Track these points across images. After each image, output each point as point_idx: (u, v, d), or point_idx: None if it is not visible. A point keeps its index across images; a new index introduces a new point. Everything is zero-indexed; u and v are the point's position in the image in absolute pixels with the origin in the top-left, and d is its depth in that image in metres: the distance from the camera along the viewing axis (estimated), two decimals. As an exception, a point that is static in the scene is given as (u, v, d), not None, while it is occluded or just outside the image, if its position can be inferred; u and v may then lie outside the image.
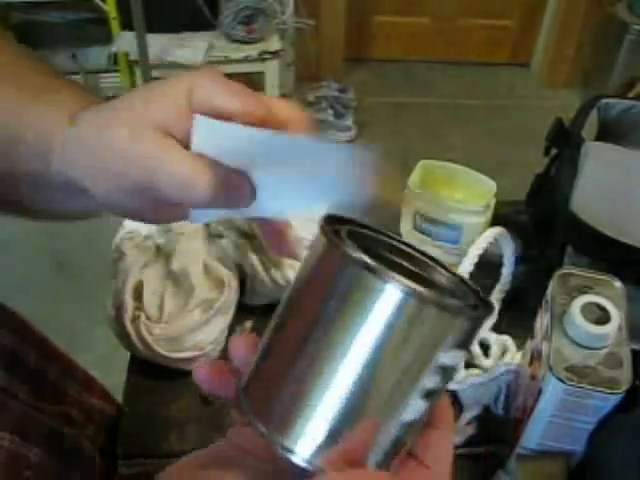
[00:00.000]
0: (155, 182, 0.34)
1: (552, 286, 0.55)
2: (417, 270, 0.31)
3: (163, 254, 0.76)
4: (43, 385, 0.58)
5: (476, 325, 0.28)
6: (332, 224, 0.29)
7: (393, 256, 0.32)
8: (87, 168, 0.37)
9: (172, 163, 0.34)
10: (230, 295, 0.72)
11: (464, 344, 0.27)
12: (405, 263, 0.31)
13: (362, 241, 0.28)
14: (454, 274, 0.31)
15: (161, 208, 0.38)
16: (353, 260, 0.25)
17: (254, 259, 0.73)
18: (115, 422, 0.67)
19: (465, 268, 0.74)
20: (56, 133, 0.38)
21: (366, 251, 0.27)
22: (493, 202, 0.82)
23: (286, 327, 0.30)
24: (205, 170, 0.34)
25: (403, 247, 0.32)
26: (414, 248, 0.32)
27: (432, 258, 0.32)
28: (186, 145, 0.35)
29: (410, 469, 0.30)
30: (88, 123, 0.37)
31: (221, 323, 0.72)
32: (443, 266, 0.31)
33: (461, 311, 0.26)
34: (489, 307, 0.29)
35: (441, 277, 0.31)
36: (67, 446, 0.57)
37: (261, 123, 0.34)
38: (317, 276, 0.28)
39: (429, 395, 0.27)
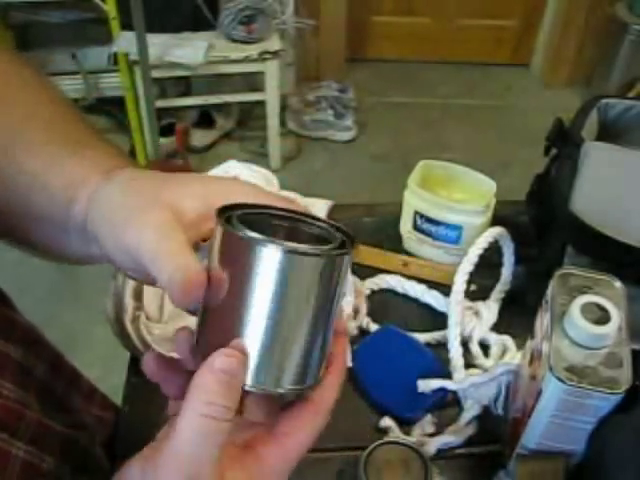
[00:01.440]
0: (140, 252, 0.36)
1: (552, 286, 0.55)
2: (295, 227, 0.39)
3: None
4: (52, 397, 0.58)
5: (340, 262, 0.36)
6: (226, 211, 0.36)
7: (275, 221, 0.38)
8: (103, 225, 0.39)
9: (157, 239, 0.36)
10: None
11: (335, 278, 0.35)
12: (285, 223, 0.39)
13: (250, 219, 0.35)
14: (325, 222, 0.40)
15: None
16: (240, 237, 0.33)
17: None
18: (114, 429, 0.67)
19: (465, 268, 0.74)
20: (84, 186, 0.40)
21: (251, 226, 0.34)
22: (493, 202, 0.82)
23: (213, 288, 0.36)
24: (192, 276, 0.35)
25: (284, 214, 0.39)
26: (294, 212, 0.39)
27: (308, 215, 0.39)
28: (195, 242, 0.38)
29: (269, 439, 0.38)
30: (120, 182, 0.40)
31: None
32: (318, 219, 0.40)
33: (319, 254, 0.34)
34: (349, 243, 0.38)
35: (315, 228, 0.39)
36: (78, 454, 0.57)
37: None
38: (222, 248, 0.35)
39: (319, 324, 0.35)
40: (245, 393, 0.36)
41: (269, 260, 0.33)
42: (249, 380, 0.35)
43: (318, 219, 0.39)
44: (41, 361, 0.57)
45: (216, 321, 0.36)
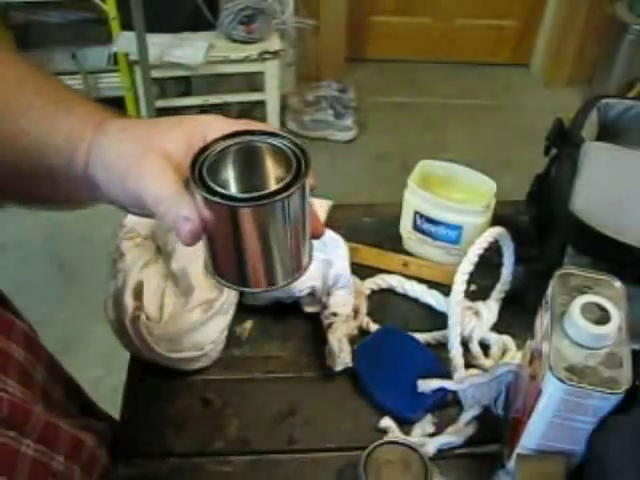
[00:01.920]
0: (143, 196, 0.43)
1: (552, 286, 0.55)
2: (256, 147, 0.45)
3: (163, 254, 0.76)
4: (53, 401, 0.58)
5: (296, 194, 0.41)
6: (197, 161, 0.42)
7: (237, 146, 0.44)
8: (102, 170, 0.45)
9: (156, 184, 0.43)
10: (230, 295, 0.72)
11: (298, 204, 0.42)
12: (248, 145, 0.44)
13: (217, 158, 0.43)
14: (282, 136, 0.44)
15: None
16: (208, 200, 0.40)
17: (254, 259, 0.73)
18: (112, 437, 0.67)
19: (465, 268, 0.74)
20: (82, 138, 0.46)
21: (217, 167, 0.42)
22: (493, 202, 0.82)
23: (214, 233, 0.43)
24: (177, 201, 0.42)
25: (248, 138, 0.44)
26: (256, 132, 0.44)
27: (267, 132, 0.44)
28: (183, 176, 0.43)
29: None
30: (114, 133, 0.46)
31: (221, 323, 0.72)
32: (276, 134, 0.44)
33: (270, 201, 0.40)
34: (305, 160, 0.43)
35: (275, 145, 0.44)
36: (86, 455, 0.58)
37: None
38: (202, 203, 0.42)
39: (297, 236, 0.44)
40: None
41: (238, 215, 0.41)
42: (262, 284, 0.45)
43: (276, 134, 0.45)
44: (40, 365, 0.58)
45: (219, 250, 0.44)
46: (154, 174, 0.43)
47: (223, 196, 0.40)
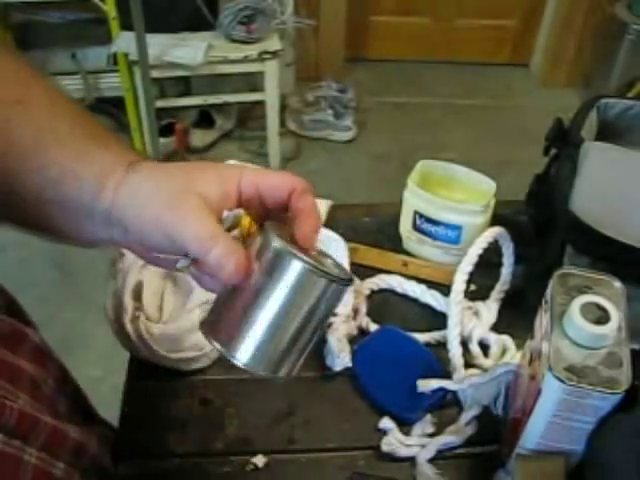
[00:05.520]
0: (183, 235, 0.43)
1: (552, 286, 0.55)
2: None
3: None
4: (59, 414, 0.58)
5: (340, 290, 0.44)
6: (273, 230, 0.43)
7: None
8: (133, 207, 0.45)
9: (198, 224, 0.43)
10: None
11: (330, 301, 0.44)
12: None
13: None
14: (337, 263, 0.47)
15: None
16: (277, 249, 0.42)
17: (254, 259, 0.73)
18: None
19: (465, 268, 0.74)
20: (112, 176, 0.46)
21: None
22: (493, 202, 0.82)
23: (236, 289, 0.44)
24: (220, 240, 0.43)
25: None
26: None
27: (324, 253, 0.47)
28: (218, 221, 0.44)
29: None
30: (147, 172, 0.46)
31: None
32: (332, 258, 0.48)
33: (327, 278, 0.42)
34: (348, 280, 0.45)
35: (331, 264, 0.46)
36: (87, 460, 0.58)
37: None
38: (260, 248, 0.44)
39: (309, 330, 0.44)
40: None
41: (293, 270, 0.42)
42: (243, 358, 0.43)
43: (328, 255, 0.48)
44: (50, 378, 0.58)
45: (234, 302, 0.44)
46: (196, 214, 0.43)
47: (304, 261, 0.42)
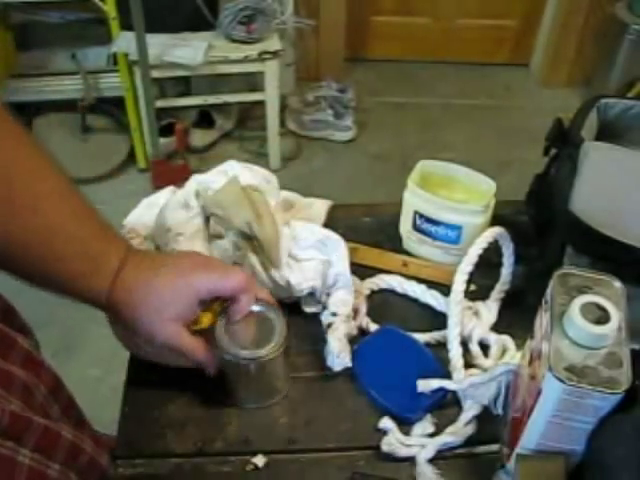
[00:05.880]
0: (183, 352, 0.63)
1: (552, 286, 0.55)
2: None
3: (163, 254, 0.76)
4: (52, 420, 0.58)
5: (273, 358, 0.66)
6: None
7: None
8: (133, 310, 0.60)
9: (185, 344, 0.62)
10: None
11: (273, 365, 0.69)
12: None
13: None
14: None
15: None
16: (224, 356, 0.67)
17: (254, 259, 0.73)
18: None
19: (465, 268, 0.74)
20: (106, 263, 0.59)
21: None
22: (493, 202, 0.82)
23: None
24: (200, 349, 0.63)
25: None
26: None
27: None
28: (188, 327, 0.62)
29: None
30: (131, 284, 0.59)
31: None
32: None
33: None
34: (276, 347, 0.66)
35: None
36: (84, 461, 0.58)
37: None
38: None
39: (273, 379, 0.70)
40: None
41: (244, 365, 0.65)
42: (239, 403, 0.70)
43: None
44: (43, 384, 0.58)
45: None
46: (180, 336, 0.61)
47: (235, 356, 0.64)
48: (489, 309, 0.77)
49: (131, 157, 2.41)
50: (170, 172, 2.26)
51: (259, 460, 0.64)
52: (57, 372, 0.62)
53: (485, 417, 0.66)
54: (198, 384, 0.70)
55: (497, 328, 0.76)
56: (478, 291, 0.80)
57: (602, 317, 0.50)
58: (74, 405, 0.65)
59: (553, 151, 0.81)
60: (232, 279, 0.61)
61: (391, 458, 0.64)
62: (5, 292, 0.61)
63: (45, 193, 0.55)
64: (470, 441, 0.65)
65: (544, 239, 0.78)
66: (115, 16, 2.04)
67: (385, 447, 0.64)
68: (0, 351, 0.53)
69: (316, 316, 0.76)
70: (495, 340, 0.74)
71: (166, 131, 2.35)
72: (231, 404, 0.69)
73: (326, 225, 0.84)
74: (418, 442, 0.65)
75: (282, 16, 2.37)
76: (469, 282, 0.75)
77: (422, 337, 0.75)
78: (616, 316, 0.50)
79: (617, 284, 0.55)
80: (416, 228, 0.83)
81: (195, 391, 0.70)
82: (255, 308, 0.66)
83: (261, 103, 2.33)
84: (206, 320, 0.64)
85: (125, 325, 0.61)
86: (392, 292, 0.81)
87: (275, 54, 2.17)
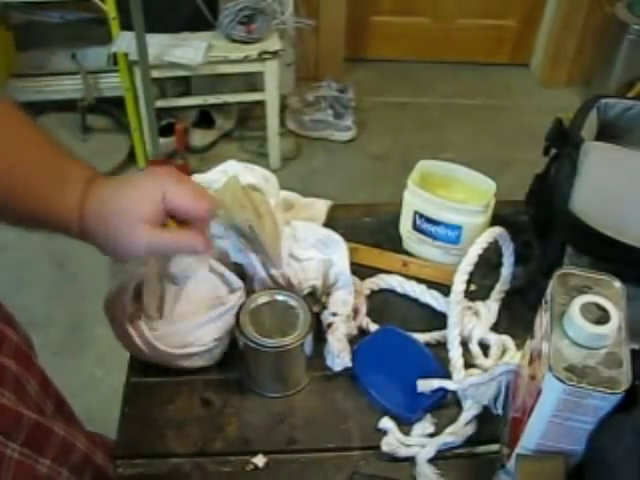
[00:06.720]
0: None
1: (552, 286, 0.55)
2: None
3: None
4: (44, 412, 0.58)
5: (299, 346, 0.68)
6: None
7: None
8: (100, 237, 0.58)
9: (167, 237, 0.60)
10: (241, 296, 0.72)
11: (297, 352, 0.70)
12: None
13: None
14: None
15: None
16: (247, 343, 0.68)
17: (254, 259, 0.73)
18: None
19: (465, 268, 0.74)
20: (74, 192, 0.57)
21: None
22: (493, 202, 0.82)
23: None
24: (186, 234, 0.60)
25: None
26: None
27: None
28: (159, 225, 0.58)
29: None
30: (95, 213, 0.57)
31: (227, 322, 0.71)
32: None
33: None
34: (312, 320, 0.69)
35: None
36: (77, 457, 0.57)
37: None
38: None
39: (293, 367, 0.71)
40: None
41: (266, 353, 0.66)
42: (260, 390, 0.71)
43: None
44: (34, 380, 0.58)
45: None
46: (152, 235, 0.58)
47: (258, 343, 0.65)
48: (489, 309, 0.77)
49: (131, 157, 2.41)
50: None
51: (259, 460, 0.64)
52: (55, 371, 0.62)
53: (485, 417, 0.66)
54: (198, 384, 0.70)
55: (497, 328, 0.76)
56: (478, 291, 0.80)
57: (602, 317, 0.50)
58: (65, 402, 0.65)
59: (553, 151, 0.81)
60: (201, 200, 0.59)
61: (391, 458, 0.64)
62: (5, 292, 0.61)
63: (9, 130, 0.57)
64: (470, 441, 0.65)
65: (544, 239, 0.78)
66: (115, 16, 2.04)
67: (385, 447, 0.64)
68: None
69: (316, 316, 0.76)
70: (495, 340, 0.74)
71: (166, 131, 2.35)
72: (251, 392, 0.70)
73: (326, 225, 0.84)
74: (418, 442, 0.65)
75: (282, 16, 2.37)
76: (469, 282, 0.75)
77: (422, 337, 0.75)
78: (616, 316, 0.50)
79: (617, 284, 0.55)
80: (416, 228, 0.83)
81: (195, 391, 0.70)
82: (279, 297, 0.69)
83: (261, 103, 2.32)
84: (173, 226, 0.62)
85: (104, 245, 0.58)
86: (392, 292, 0.81)
87: (275, 54, 2.17)
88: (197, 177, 0.77)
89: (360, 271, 0.81)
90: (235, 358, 0.72)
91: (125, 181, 0.59)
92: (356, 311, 0.77)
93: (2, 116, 0.57)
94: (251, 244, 0.73)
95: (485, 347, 0.74)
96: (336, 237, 0.79)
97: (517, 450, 0.57)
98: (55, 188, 0.56)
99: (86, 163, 0.61)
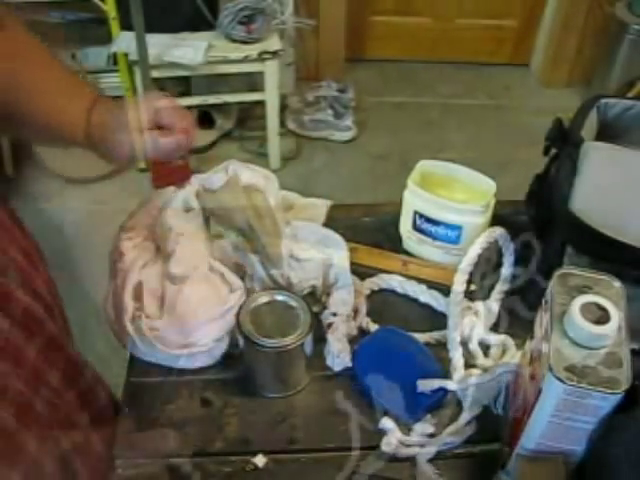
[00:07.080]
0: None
1: (552, 286, 0.55)
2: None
3: (162, 255, 0.76)
4: (45, 388, 0.59)
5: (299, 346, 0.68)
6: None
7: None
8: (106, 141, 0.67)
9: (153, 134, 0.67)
10: (241, 296, 0.72)
11: (297, 352, 0.70)
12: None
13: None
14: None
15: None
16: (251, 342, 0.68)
17: (254, 259, 0.73)
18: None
19: (465, 268, 0.74)
20: (83, 104, 0.68)
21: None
22: (493, 202, 0.82)
23: None
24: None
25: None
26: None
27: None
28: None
29: None
30: (100, 126, 0.67)
31: (227, 322, 0.71)
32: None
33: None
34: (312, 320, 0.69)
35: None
36: (84, 386, 0.64)
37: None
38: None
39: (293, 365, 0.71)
40: None
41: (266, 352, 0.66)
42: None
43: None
44: (33, 344, 0.57)
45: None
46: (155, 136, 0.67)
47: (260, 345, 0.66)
48: (489, 309, 0.77)
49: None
50: (170, 172, 2.25)
51: (259, 460, 0.64)
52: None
53: (485, 417, 0.66)
54: (198, 384, 0.70)
55: (497, 328, 0.76)
56: (478, 291, 0.80)
57: (602, 317, 0.50)
58: (77, 376, 0.67)
59: (553, 151, 0.81)
60: (187, 113, 0.69)
61: (391, 458, 0.64)
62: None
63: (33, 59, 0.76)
64: (470, 441, 0.65)
65: (544, 239, 0.78)
66: (115, 16, 2.04)
67: (385, 447, 0.64)
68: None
69: (316, 316, 0.76)
70: (495, 340, 0.74)
71: (166, 131, 2.35)
72: (252, 392, 0.70)
73: (326, 225, 0.84)
74: (418, 442, 0.65)
75: (282, 16, 2.37)
76: (469, 282, 0.75)
77: (422, 337, 0.75)
78: (616, 316, 0.50)
79: (617, 284, 0.55)
80: (416, 228, 0.83)
81: (195, 391, 0.70)
82: (279, 297, 0.69)
83: (261, 103, 2.32)
84: None
85: (110, 152, 0.68)
86: (392, 292, 0.81)
87: (275, 54, 2.17)
88: (197, 177, 0.77)
89: (360, 271, 0.81)
90: (235, 358, 0.72)
91: (124, 100, 0.69)
92: (356, 311, 0.77)
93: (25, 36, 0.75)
94: (251, 244, 0.73)
95: (485, 347, 0.74)
96: (336, 237, 0.79)
97: (517, 450, 0.57)
98: (69, 97, 0.69)
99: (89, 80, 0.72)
